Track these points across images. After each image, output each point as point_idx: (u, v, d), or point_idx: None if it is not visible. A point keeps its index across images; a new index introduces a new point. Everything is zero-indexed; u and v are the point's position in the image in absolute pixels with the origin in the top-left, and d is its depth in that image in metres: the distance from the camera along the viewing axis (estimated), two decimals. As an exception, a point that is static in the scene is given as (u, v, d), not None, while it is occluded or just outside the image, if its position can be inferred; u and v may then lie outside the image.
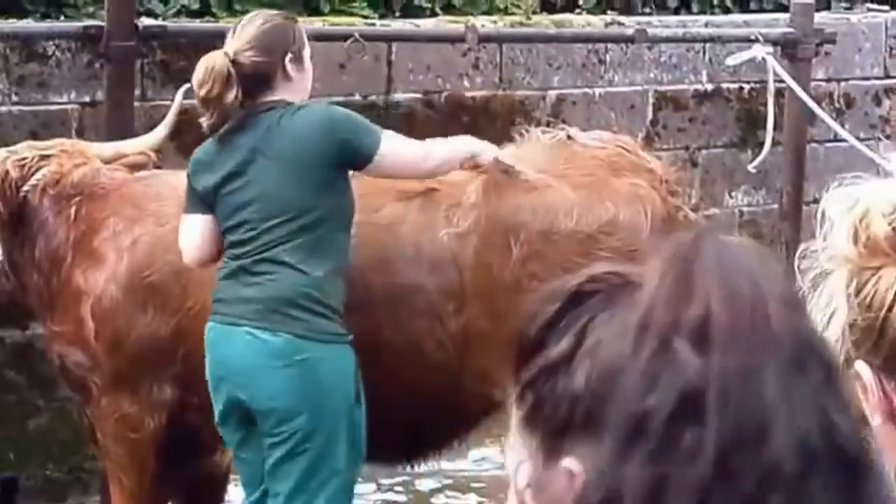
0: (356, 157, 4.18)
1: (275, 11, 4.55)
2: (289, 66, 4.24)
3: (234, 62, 4.17)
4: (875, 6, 7.77)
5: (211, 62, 4.20)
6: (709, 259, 1.01)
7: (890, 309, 1.29)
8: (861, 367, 1.31)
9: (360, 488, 5.96)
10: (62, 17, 6.09)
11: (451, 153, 4.39)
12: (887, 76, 7.52)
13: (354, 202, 4.26)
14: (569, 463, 1.01)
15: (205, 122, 4.23)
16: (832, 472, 1.00)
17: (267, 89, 4.22)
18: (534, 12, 6.86)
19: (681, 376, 0.98)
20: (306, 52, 4.32)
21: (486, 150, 4.49)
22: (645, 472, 0.98)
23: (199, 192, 4.26)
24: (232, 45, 4.23)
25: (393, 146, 4.24)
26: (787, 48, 6.52)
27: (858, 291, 1.31)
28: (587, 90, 6.79)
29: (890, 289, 1.30)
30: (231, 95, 4.16)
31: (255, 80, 4.19)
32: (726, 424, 0.98)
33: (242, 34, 4.25)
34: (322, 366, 4.15)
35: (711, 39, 6.88)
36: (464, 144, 4.49)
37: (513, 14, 6.89)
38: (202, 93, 4.20)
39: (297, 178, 4.14)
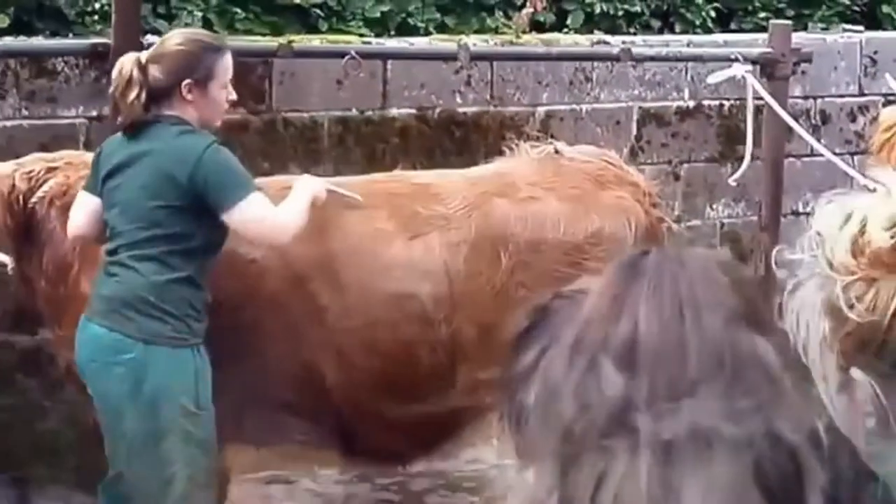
0: (211, 203, 4.14)
1: (204, 35, 4.50)
2: (185, 91, 4.23)
3: (142, 68, 4.24)
4: (850, 27, 7.73)
5: (123, 62, 4.27)
6: (647, 277, 1.00)
7: (894, 315, 1.32)
8: (856, 373, 1.34)
9: (355, 488, 6.04)
10: (71, 35, 6.10)
11: (302, 213, 4.26)
12: (862, 94, 7.49)
13: (222, 234, 4.21)
14: (530, 474, 1.04)
15: (119, 117, 4.32)
16: (784, 489, 0.98)
17: (166, 104, 4.26)
18: (523, 32, 6.84)
19: (608, 396, 0.97)
20: (214, 83, 4.26)
21: (320, 189, 4.39)
22: (588, 490, 0.97)
23: (95, 177, 4.34)
24: (148, 52, 4.31)
25: (250, 214, 4.14)
26: (766, 67, 6.42)
27: (859, 300, 1.33)
28: (574, 106, 6.78)
29: (892, 297, 1.32)
30: (132, 96, 4.20)
31: (155, 92, 4.24)
32: (662, 446, 0.95)
33: (158, 47, 4.31)
34: (146, 369, 4.11)
35: (693, 58, 6.83)
36: (303, 194, 4.32)
37: (503, 33, 6.89)
38: (110, 89, 4.31)
39: (155, 194, 4.17)
